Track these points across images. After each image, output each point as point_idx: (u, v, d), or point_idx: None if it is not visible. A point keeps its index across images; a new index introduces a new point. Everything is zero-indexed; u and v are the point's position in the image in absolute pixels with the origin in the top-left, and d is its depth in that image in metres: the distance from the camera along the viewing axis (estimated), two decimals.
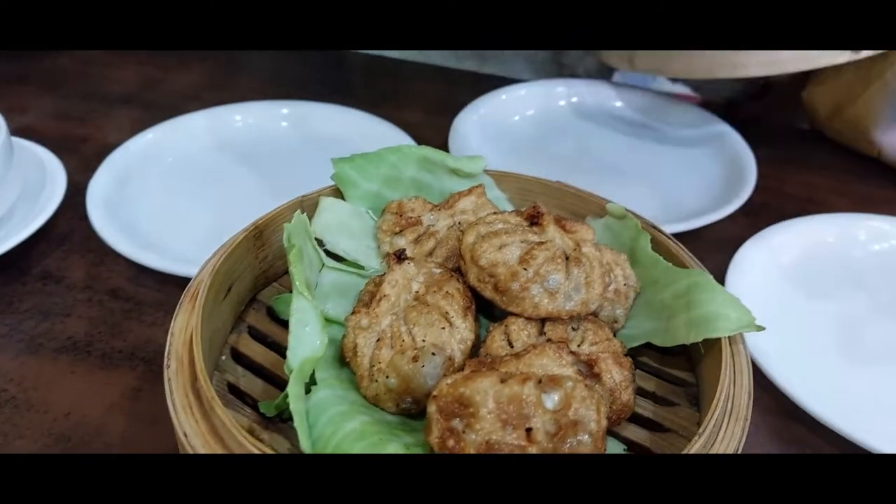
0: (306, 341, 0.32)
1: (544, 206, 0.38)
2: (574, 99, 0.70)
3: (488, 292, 0.36)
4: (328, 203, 0.42)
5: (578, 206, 0.44)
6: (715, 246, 0.54)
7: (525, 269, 0.35)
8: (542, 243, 0.36)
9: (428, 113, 0.69)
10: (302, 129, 0.64)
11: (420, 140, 0.62)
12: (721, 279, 0.49)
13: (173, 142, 0.61)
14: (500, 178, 0.46)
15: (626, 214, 0.42)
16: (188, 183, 0.58)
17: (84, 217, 0.52)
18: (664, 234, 0.42)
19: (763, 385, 0.42)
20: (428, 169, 0.44)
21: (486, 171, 0.45)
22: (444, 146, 0.62)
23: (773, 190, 0.61)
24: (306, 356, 0.32)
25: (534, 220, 0.38)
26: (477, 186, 0.42)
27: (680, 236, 0.54)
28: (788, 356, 0.44)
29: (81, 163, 0.59)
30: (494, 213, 0.39)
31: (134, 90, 0.73)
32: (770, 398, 0.42)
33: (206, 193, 0.57)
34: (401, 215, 0.41)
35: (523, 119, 0.67)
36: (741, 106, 0.88)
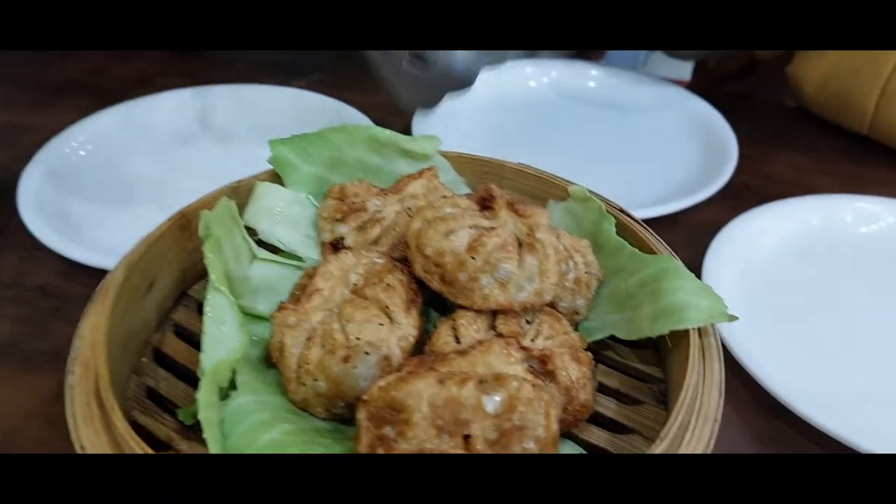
0: (222, 341, 0.29)
1: (502, 189, 0.35)
2: (545, 79, 0.66)
3: (435, 283, 0.33)
4: (264, 188, 0.38)
5: (540, 190, 0.41)
6: (693, 231, 0.51)
7: (473, 258, 0.32)
8: (492, 229, 0.33)
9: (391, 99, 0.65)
10: (253, 114, 0.60)
11: (383, 125, 0.58)
12: (698, 267, 0.46)
13: (113, 132, 0.57)
14: (457, 160, 0.42)
15: (589, 197, 0.38)
16: (127, 174, 0.55)
17: (15, 212, 0.48)
18: (631, 217, 0.38)
19: (741, 378, 0.39)
20: (376, 150, 0.41)
21: (441, 153, 0.42)
22: (407, 130, 0.58)
23: (756, 171, 0.58)
24: (221, 358, 0.28)
25: (485, 203, 0.34)
26: (428, 169, 0.39)
27: (655, 221, 0.51)
28: (768, 348, 0.41)
29: (19, 154, 0.55)
30: (444, 196, 0.36)
31: (81, 77, 0.69)
32: (747, 392, 0.39)
33: (148, 185, 0.54)
34: (343, 200, 0.37)
35: (492, 101, 0.64)
36: (726, 83, 0.85)
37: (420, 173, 0.38)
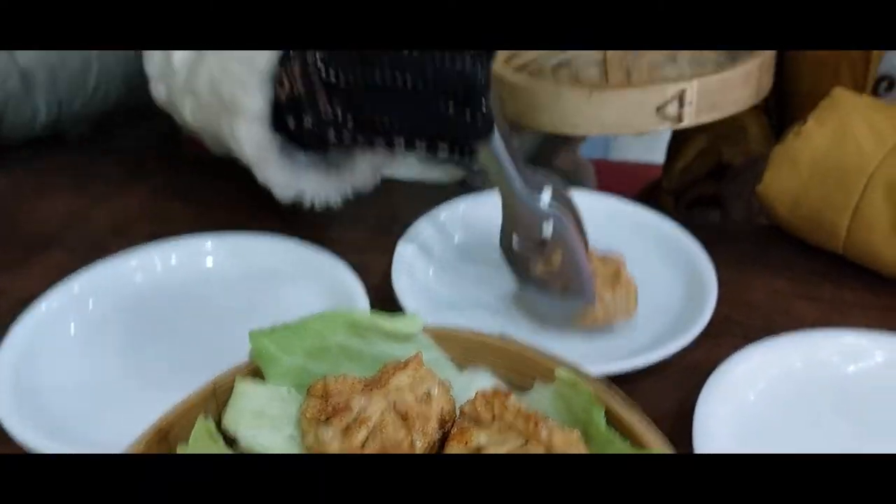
0: None
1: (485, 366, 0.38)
2: None
3: None
4: (243, 388, 0.37)
5: (524, 367, 0.40)
6: (680, 375, 0.51)
7: None
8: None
9: (372, 233, 0.65)
10: (232, 264, 0.59)
11: (360, 266, 0.58)
12: (690, 414, 0.46)
13: (84, 301, 0.55)
14: (440, 336, 0.42)
15: (578, 381, 0.38)
16: (105, 349, 0.53)
17: None
18: (623, 401, 0.38)
19: None
20: (358, 334, 0.40)
21: (425, 330, 0.41)
22: (388, 269, 0.58)
23: (737, 300, 0.58)
24: None
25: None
26: (413, 358, 0.38)
27: (637, 373, 0.50)
28: None
29: None
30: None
31: (57, 230, 0.67)
32: None
33: (128, 359, 0.52)
34: (326, 400, 0.36)
35: (472, 232, 0.64)
36: (696, 186, 0.87)
37: (405, 364, 0.38)
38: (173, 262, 0.58)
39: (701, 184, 0.85)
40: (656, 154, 0.98)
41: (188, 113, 0.62)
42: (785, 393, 0.48)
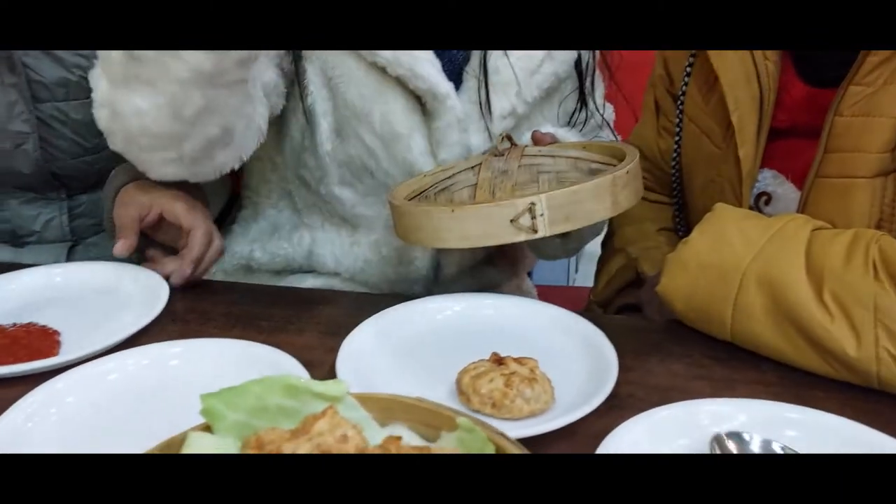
0: None
1: (399, 422, 0.45)
2: (449, 312, 0.77)
3: (486, 410, 0.60)
4: (194, 438, 0.44)
5: (433, 420, 0.48)
6: (587, 440, 0.58)
7: (510, 390, 0.60)
8: (512, 373, 0.61)
9: (321, 335, 0.74)
10: (193, 369, 0.67)
11: (309, 363, 0.66)
12: None
13: (64, 397, 0.62)
14: (363, 399, 0.49)
15: (474, 428, 0.45)
16: (81, 440, 0.59)
17: None
18: (510, 440, 0.45)
19: None
20: (293, 396, 0.48)
21: (349, 394, 0.49)
22: (332, 366, 0.66)
23: (639, 382, 0.67)
24: None
25: (499, 360, 0.64)
26: (328, 408, 0.46)
27: (551, 434, 0.58)
28: None
29: None
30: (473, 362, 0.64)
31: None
32: None
33: (100, 448, 0.58)
34: (261, 448, 0.44)
35: (407, 333, 0.73)
36: (620, 293, 0.97)
37: (322, 413, 0.45)
38: (145, 362, 0.66)
39: (623, 294, 0.96)
40: None
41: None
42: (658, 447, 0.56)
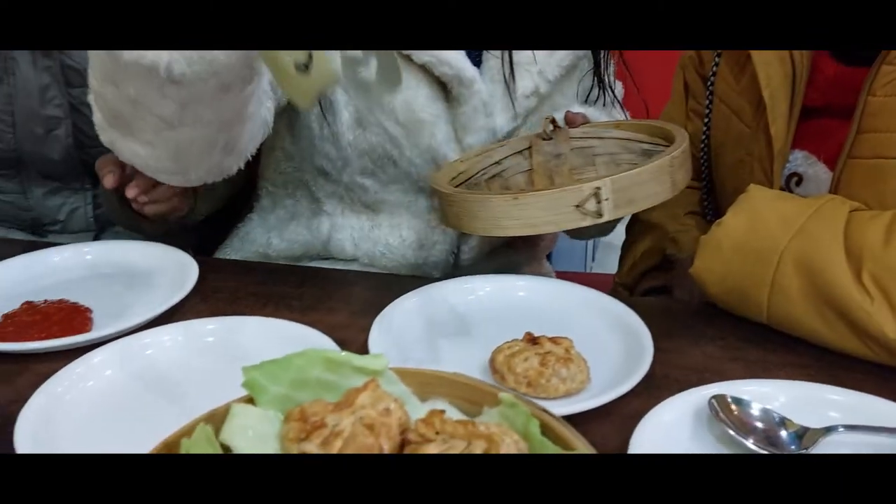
0: None
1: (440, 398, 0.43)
2: (481, 293, 0.77)
3: (522, 388, 0.60)
4: (238, 409, 0.44)
5: (474, 396, 0.48)
6: (622, 421, 0.58)
7: (545, 369, 0.60)
8: (547, 352, 0.61)
9: (353, 314, 0.74)
10: (229, 345, 0.67)
11: (342, 341, 0.66)
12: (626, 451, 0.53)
13: (100, 371, 0.63)
14: (403, 374, 0.49)
15: (517, 403, 0.45)
16: (118, 411, 0.60)
17: (10, 447, 0.53)
18: (553, 416, 0.45)
19: None
20: (333, 369, 0.48)
21: (390, 368, 0.49)
22: (365, 344, 0.66)
23: (674, 363, 0.66)
24: None
25: (533, 340, 0.64)
26: (370, 381, 0.46)
27: (587, 414, 0.57)
28: None
29: (16, 393, 0.61)
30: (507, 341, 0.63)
31: None
32: None
33: (137, 419, 0.59)
34: (305, 421, 0.43)
35: (437, 312, 0.73)
36: (647, 277, 0.96)
37: (365, 386, 0.45)
38: (180, 338, 0.67)
39: (648, 277, 0.95)
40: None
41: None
42: (704, 431, 0.55)
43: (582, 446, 0.43)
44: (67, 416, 0.58)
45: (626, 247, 1.02)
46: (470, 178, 0.81)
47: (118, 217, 0.92)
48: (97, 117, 0.67)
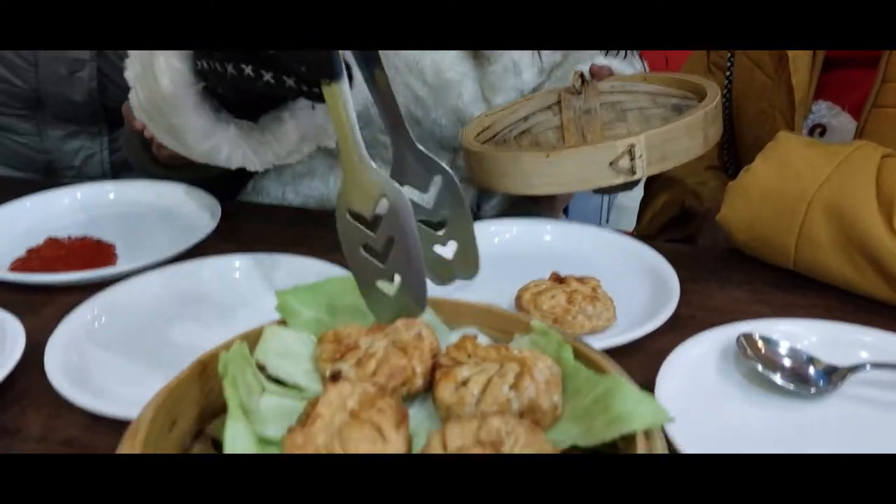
0: None
1: (474, 326, 0.46)
2: (507, 235, 0.76)
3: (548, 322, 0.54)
4: (271, 331, 0.44)
5: (506, 325, 0.48)
6: (648, 358, 0.58)
7: (572, 306, 0.60)
8: (574, 291, 0.61)
9: None
10: (257, 280, 0.67)
11: None
12: (652, 388, 0.52)
13: (128, 300, 0.64)
14: (434, 303, 0.49)
15: (549, 330, 0.45)
16: (146, 338, 0.61)
17: (42, 373, 0.54)
18: (585, 344, 0.45)
19: None
20: None
21: None
22: None
23: (699, 305, 0.66)
24: None
25: (559, 279, 0.63)
26: None
27: (614, 351, 0.57)
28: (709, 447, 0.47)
29: (42, 324, 0.61)
30: (534, 280, 0.63)
31: None
32: None
33: (165, 346, 0.60)
34: (339, 342, 0.44)
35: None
36: (668, 231, 0.96)
37: None
38: (207, 273, 0.67)
39: (667, 230, 0.94)
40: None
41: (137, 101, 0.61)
42: (731, 367, 0.56)
43: (613, 369, 0.43)
44: (97, 343, 0.58)
45: (645, 199, 1.01)
46: (496, 133, 0.80)
47: (138, 161, 0.91)
48: (134, 100, 0.63)
